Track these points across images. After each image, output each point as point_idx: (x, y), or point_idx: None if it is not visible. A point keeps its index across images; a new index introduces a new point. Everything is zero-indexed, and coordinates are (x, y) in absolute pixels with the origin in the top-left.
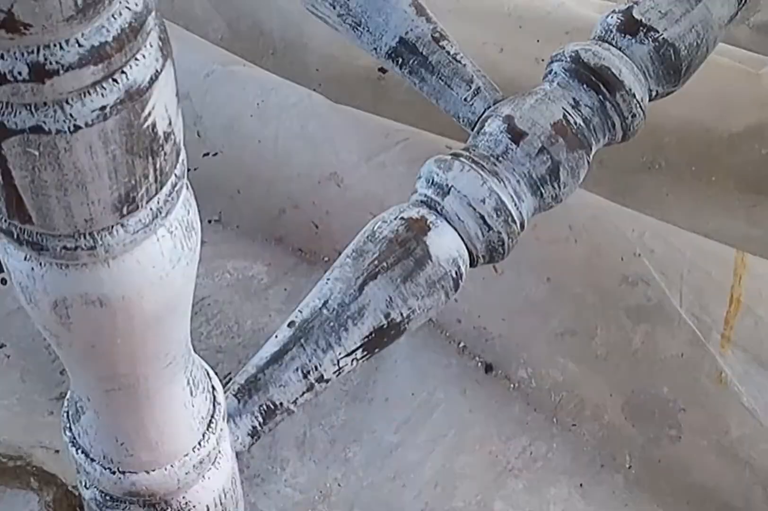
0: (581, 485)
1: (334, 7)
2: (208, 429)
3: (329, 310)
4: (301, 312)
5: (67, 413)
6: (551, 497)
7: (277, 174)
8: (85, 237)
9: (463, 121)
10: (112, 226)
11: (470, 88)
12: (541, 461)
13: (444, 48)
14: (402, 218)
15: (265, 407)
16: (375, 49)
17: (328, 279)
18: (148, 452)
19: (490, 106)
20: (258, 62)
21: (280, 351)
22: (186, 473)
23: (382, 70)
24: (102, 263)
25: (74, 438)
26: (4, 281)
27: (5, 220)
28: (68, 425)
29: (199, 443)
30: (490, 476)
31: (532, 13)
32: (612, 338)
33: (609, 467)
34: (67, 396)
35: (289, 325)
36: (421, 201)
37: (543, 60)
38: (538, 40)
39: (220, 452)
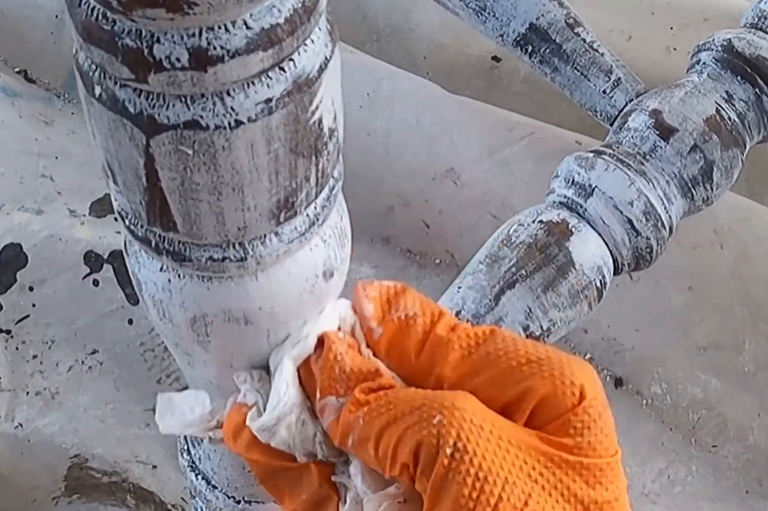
0: None
1: None
2: None
3: (461, 320)
4: None
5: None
6: None
7: (387, 169)
8: (235, 247)
9: (601, 114)
10: (266, 235)
11: (609, 79)
12: (679, 485)
13: (579, 35)
14: (541, 221)
15: None
16: (501, 35)
17: (460, 287)
18: None
19: (632, 100)
20: (360, 49)
21: None
22: None
23: (495, 58)
24: (250, 276)
25: (193, 462)
26: (96, 282)
27: (142, 227)
28: (186, 448)
29: None
30: None
31: None
32: (762, 353)
33: (755, 493)
34: None
35: None
36: (561, 202)
37: (675, 49)
38: (671, 28)
39: None
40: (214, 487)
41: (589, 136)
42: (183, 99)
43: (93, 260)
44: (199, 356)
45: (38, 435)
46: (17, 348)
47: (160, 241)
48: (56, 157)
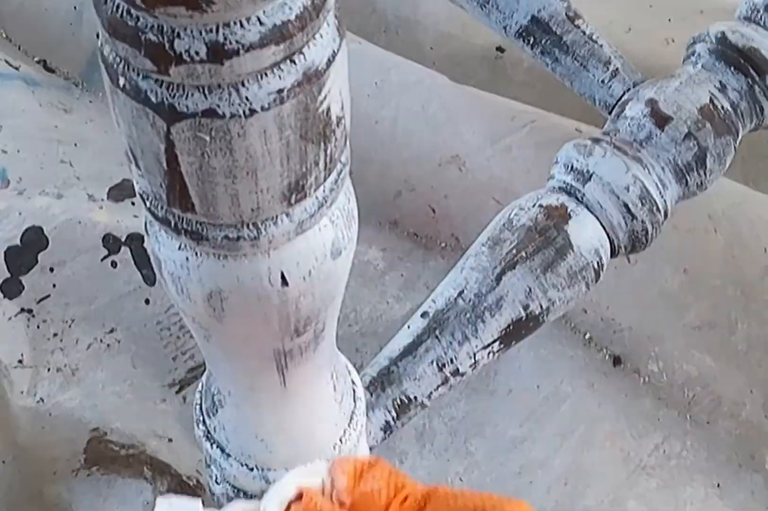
0: (718, 485)
1: None
2: (349, 425)
3: (465, 300)
4: (434, 302)
5: (200, 405)
6: (687, 497)
7: (395, 156)
8: (248, 227)
9: (599, 103)
10: (277, 216)
11: (608, 69)
12: (675, 459)
13: (579, 27)
14: (541, 205)
15: (399, 400)
16: (504, 27)
17: (463, 268)
18: (288, 449)
19: (629, 89)
20: (369, 40)
21: (413, 343)
22: None
23: (500, 49)
24: (263, 254)
25: (209, 432)
26: (114, 264)
27: (162, 208)
28: (202, 418)
29: (341, 440)
30: (622, 474)
31: None
32: (754, 332)
33: (747, 467)
34: (199, 388)
35: (422, 315)
36: (560, 188)
37: (673, 40)
38: (669, 20)
39: (359, 448)
40: (228, 455)
41: (589, 124)
42: (201, 89)
43: (111, 243)
44: (215, 329)
45: (59, 410)
46: (38, 327)
47: (179, 221)
48: (75, 144)
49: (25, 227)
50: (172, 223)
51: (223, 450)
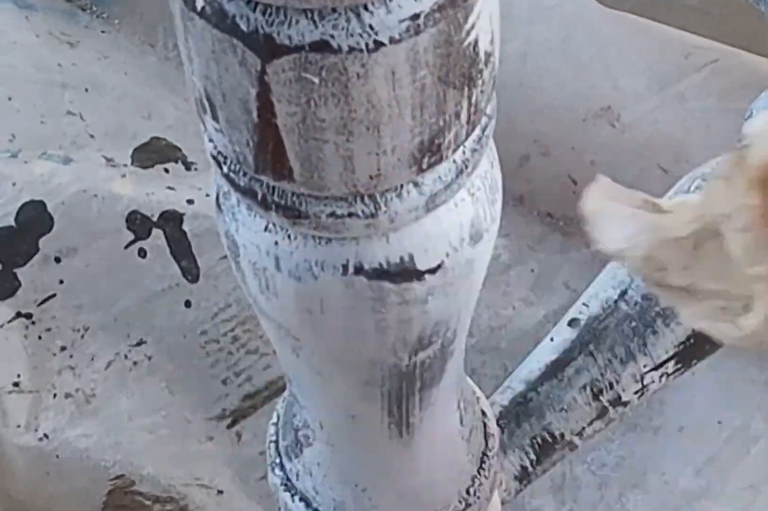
0: None
1: None
2: (479, 472)
3: (630, 304)
4: (586, 306)
5: (276, 443)
6: None
7: (522, 107)
8: (364, 200)
9: None
10: (403, 186)
11: None
12: None
13: None
14: None
15: (540, 439)
16: None
17: None
18: (399, 502)
19: None
20: None
21: (559, 361)
22: None
23: None
24: (380, 237)
25: (288, 480)
26: (142, 253)
27: (246, 175)
28: (279, 462)
29: (468, 491)
30: None
31: None
32: None
33: None
34: (273, 419)
35: (570, 324)
36: None
37: None
38: None
39: (492, 504)
40: (316, 510)
41: None
42: (309, 14)
43: (138, 224)
44: (308, 340)
45: (69, 449)
46: (40, 337)
47: (269, 192)
48: (86, 90)
49: (21, 203)
50: (260, 195)
51: (308, 504)
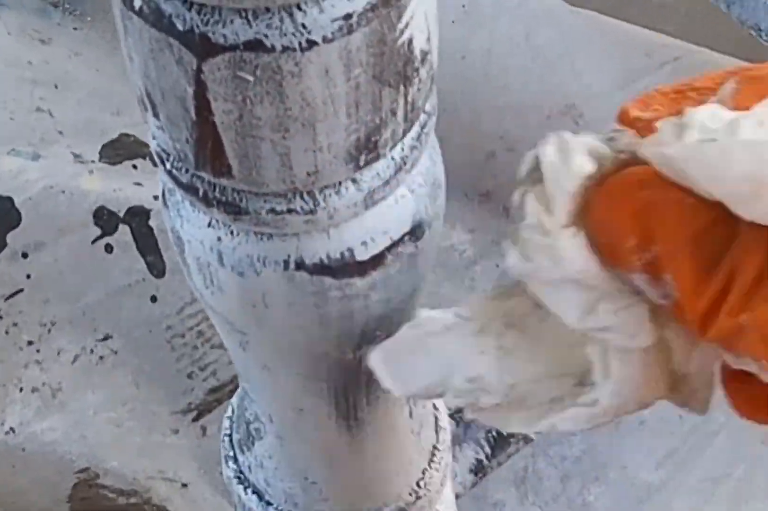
0: None
1: None
2: (429, 464)
3: None
4: None
5: (230, 437)
6: None
7: (488, 104)
8: (303, 197)
9: (766, 34)
10: (341, 183)
11: None
12: None
13: None
14: None
15: (495, 432)
16: None
17: None
18: (348, 495)
19: None
20: None
21: None
22: None
23: None
24: (320, 233)
25: (242, 472)
26: (109, 248)
27: (187, 172)
28: (232, 454)
29: (418, 484)
30: None
31: None
32: None
33: None
34: (228, 413)
35: None
36: None
37: None
38: None
39: (443, 495)
40: (269, 503)
41: (750, 60)
42: (243, 14)
43: (105, 219)
44: (254, 334)
45: (35, 443)
46: (7, 332)
47: (210, 189)
48: (56, 86)
49: None
50: (201, 192)
51: (261, 497)
